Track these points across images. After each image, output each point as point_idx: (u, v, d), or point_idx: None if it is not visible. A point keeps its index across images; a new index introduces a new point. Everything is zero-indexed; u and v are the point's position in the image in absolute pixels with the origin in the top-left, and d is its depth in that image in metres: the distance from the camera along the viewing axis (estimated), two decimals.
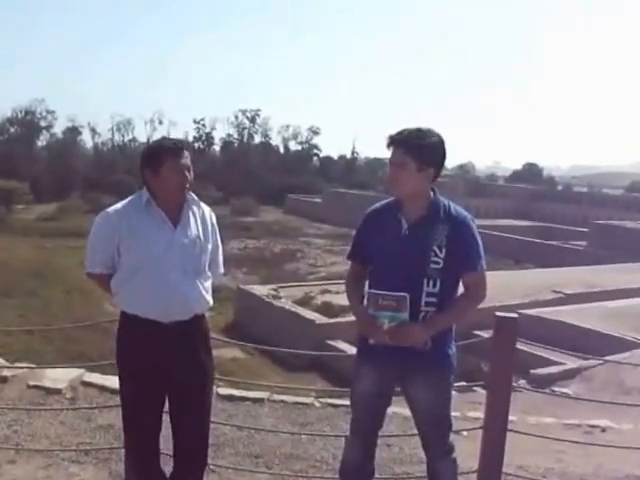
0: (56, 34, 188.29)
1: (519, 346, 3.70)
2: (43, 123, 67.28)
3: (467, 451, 3.44)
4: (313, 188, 60.24)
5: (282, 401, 5.11)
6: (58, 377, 5.02)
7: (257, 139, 75.04)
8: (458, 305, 2.78)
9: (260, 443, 4.23)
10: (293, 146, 77.65)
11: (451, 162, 76.01)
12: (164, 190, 2.75)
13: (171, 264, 2.74)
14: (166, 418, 2.92)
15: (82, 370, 5.24)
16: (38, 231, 35.96)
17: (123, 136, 70.86)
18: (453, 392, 2.97)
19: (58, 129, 69.04)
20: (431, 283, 2.69)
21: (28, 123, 65.96)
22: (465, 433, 3.96)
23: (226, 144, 73.77)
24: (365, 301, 2.74)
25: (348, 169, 73.59)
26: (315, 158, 78.07)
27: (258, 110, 73.50)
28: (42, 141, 69.33)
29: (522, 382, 7.96)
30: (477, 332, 9.14)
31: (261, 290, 20.56)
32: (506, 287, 18.08)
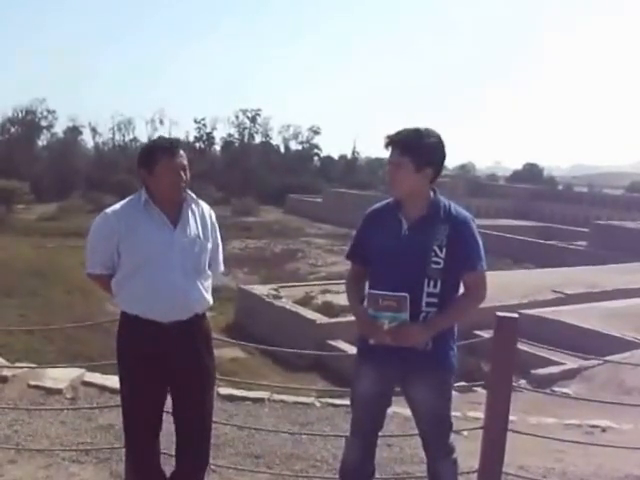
0: (56, 34, 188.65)
1: (519, 346, 3.70)
2: (44, 123, 67.17)
3: (467, 451, 3.44)
4: (314, 188, 60.16)
5: (282, 401, 5.11)
6: (59, 377, 5.02)
7: (258, 139, 74.95)
8: (458, 305, 2.78)
9: (261, 443, 4.24)
10: (294, 146, 77.65)
11: (452, 162, 76.05)
12: (160, 189, 2.75)
13: (171, 264, 2.74)
14: (166, 418, 2.93)
15: (83, 370, 5.24)
16: (39, 231, 35.94)
17: (124, 136, 70.72)
18: (453, 392, 2.97)
19: (59, 129, 68.99)
20: (432, 283, 2.69)
21: (29, 123, 65.87)
22: (465, 433, 3.96)
23: (227, 144, 73.64)
24: (365, 301, 2.74)
25: (349, 169, 73.47)
26: (316, 158, 77.94)
27: (259, 110, 73.47)
28: (43, 141, 69.30)
29: (522, 382, 7.97)
30: (477, 332, 9.12)
31: (262, 290, 20.54)
32: (506, 287, 18.07)
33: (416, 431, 2.97)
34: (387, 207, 2.85)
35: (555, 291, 19.92)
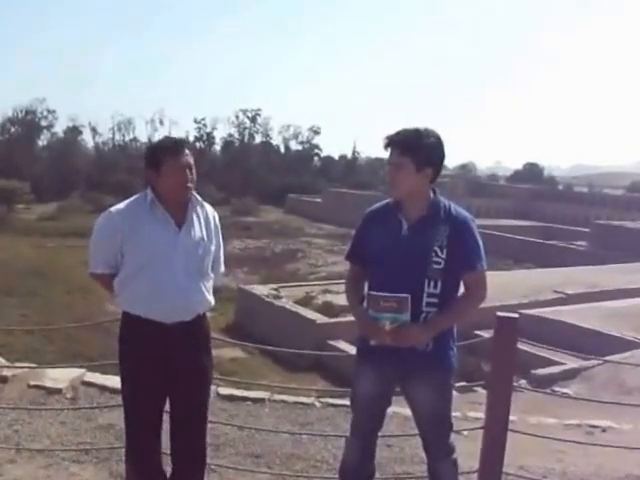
0: (57, 34, 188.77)
1: (520, 346, 3.70)
2: (44, 123, 67.12)
3: (468, 451, 3.44)
4: (314, 188, 60.12)
5: (283, 401, 5.11)
6: (59, 377, 5.02)
7: (258, 139, 74.86)
8: (459, 305, 2.78)
9: (261, 443, 4.23)
10: (294, 146, 77.55)
11: (452, 162, 76.12)
12: (166, 189, 2.75)
13: (175, 265, 2.74)
14: (166, 418, 2.93)
15: (83, 370, 5.24)
16: (39, 231, 35.93)
17: (124, 136, 70.63)
18: (454, 392, 2.97)
19: (59, 129, 68.91)
20: (432, 284, 2.69)
21: (29, 123, 65.83)
22: (466, 433, 3.96)
23: (227, 144, 73.57)
24: (365, 302, 2.73)
25: (349, 169, 73.43)
26: (316, 158, 77.89)
27: (259, 110, 73.41)
28: (43, 141, 69.22)
29: (523, 382, 7.97)
30: (478, 332, 9.11)
31: (262, 290, 20.53)
32: (507, 287, 18.05)
33: (416, 431, 2.97)
34: (387, 207, 2.84)
35: (556, 291, 19.89)
